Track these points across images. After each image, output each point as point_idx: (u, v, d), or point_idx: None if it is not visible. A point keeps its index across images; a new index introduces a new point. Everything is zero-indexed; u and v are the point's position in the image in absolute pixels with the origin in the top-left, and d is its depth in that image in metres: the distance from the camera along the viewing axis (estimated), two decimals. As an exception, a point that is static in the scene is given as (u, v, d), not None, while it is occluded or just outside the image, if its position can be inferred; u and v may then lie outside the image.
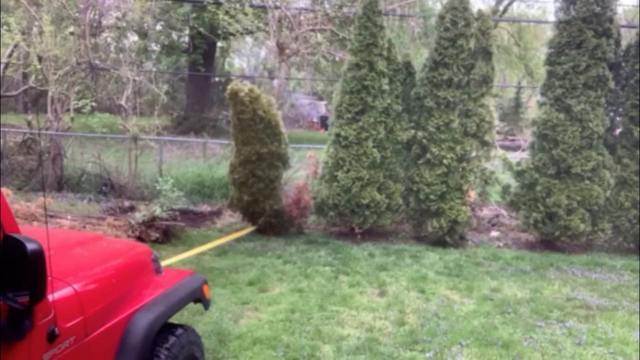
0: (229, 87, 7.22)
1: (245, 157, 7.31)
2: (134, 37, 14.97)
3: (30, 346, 1.91)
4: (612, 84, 7.37)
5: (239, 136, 7.31)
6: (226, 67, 32.07)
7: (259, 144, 7.23)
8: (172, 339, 2.73)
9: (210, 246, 6.91)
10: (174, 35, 20.99)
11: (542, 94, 7.78)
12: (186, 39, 21.14)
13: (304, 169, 8.38)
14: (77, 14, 10.70)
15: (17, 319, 1.82)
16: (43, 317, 1.95)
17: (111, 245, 3.21)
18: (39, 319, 1.93)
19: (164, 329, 2.70)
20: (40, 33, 9.64)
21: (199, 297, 3.08)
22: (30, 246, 1.74)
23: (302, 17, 12.72)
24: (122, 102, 10.00)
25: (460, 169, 7.55)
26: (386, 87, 7.58)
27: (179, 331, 2.83)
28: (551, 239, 7.63)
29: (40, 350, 1.96)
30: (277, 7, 12.00)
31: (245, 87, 7.15)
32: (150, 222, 7.03)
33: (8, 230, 1.83)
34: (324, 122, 23.17)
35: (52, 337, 2.01)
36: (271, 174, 7.44)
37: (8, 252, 1.77)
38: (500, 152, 8.29)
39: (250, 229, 7.84)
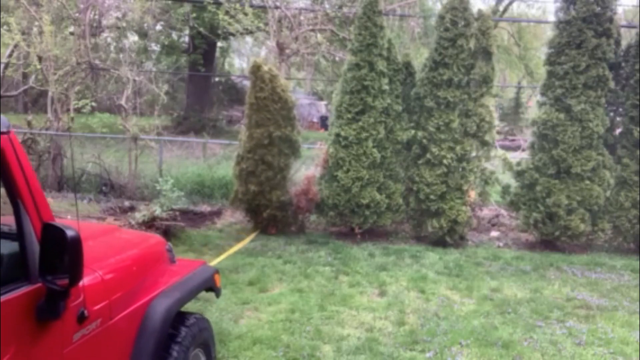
0: (252, 61, 7.53)
1: (257, 141, 7.39)
2: (134, 37, 14.98)
3: (63, 326, 2.06)
4: (612, 84, 7.37)
5: (253, 116, 7.41)
6: (226, 67, 32.08)
7: (274, 125, 7.35)
8: (187, 325, 2.87)
9: (223, 257, 6.79)
10: (174, 35, 20.97)
11: (542, 94, 7.78)
12: (186, 39, 21.13)
13: (305, 167, 8.38)
14: (77, 14, 10.70)
15: (53, 300, 1.95)
16: (74, 299, 2.10)
17: (128, 236, 3.40)
18: (70, 302, 2.07)
19: (179, 316, 2.83)
20: (40, 33, 9.64)
21: (211, 286, 3.23)
22: (69, 233, 1.87)
23: (302, 17, 12.73)
24: (122, 102, 10.00)
25: (460, 169, 7.55)
26: (386, 87, 7.58)
27: (193, 318, 2.96)
28: (551, 239, 7.63)
29: (72, 330, 2.12)
30: (277, 7, 12.00)
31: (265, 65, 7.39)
32: (150, 222, 7.04)
33: (46, 218, 1.97)
34: (324, 122, 23.17)
35: (81, 319, 2.16)
36: (281, 162, 7.53)
37: (47, 239, 1.90)
38: (500, 152, 8.28)
39: (253, 234, 7.77)
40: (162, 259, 3.02)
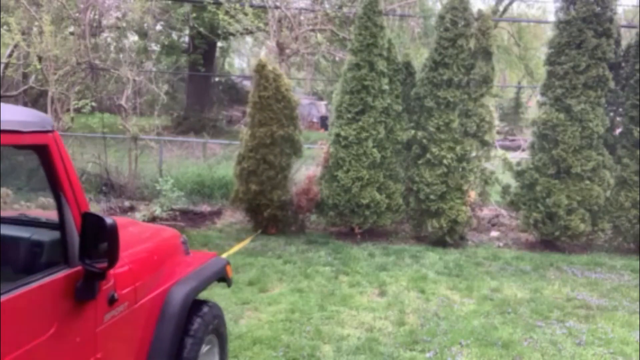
0: (256, 60, 7.57)
1: (259, 140, 7.41)
2: (134, 37, 14.98)
3: (96, 307, 2.27)
4: (612, 84, 7.37)
5: (256, 116, 7.43)
6: (226, 67, 32.07)
7: (276, 124, 7.38)
8: (202, 312, 3.05)
9: (224, 255, 6.83)
10: (174, 35, 20.97)
11: (542, 94, 7.78)
12: (186, 39, 21.12)
13: (306, 167, 8.38)
14: (77, 14, 10.70)
15: (90, 282, 2.16)
16: (106, 283, 2.30)
17: (146, 228, 3.58)
18: (102, 285, 2.26)
19: (195, 304, 3.01)
20: (40, 33, 9.63)
21: (223, 276, 3.42)
22: (108, 221, 2.10)
23: (302, 17, 12.73)
24: (122, 102, 10.00)
25: (460, 169, 7.55)
26: (386, 87, 7.58)
27: (207, 306, 3.15)
28: (551, 239, 7.63)
29: (103, 311, 2.32)
30: (277, 7, 12.00)
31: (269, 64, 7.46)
32: (150, 222, 7.03)
33: (83, 209, 2.18)
34: (324, 122, 23.16)
35: (111, 301, 2.36)
36: (282, 162, 7.54)
37: (87, 227, 2.11)
38: (500, 152, 8.28)
39: (254, 235, 7.77)
40: (178, 251, 3.20)
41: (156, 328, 2.71)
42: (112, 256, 2.12)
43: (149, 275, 2.74)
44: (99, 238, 2.09)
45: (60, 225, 2.15)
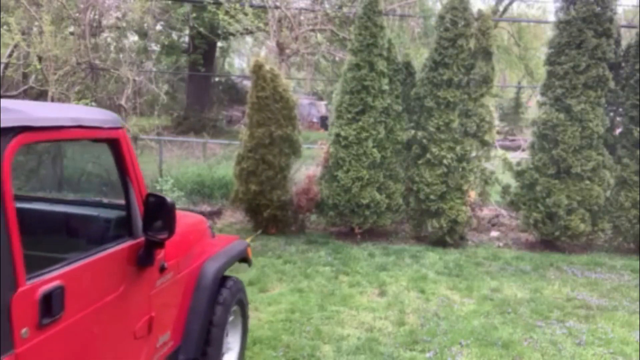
0: (253, 60, 7.54)
1: (258, 140, 7.42)
2: (134, 37, 14.98)
3: (151, 273, 2.69)
4: (612, 84, 7.37)
5: (254, 116, 7.43)
6: (226, 67, 32.07)
7: (275, 125, 7.39)
8: (229, 284, 3.50)
9: None
10: (174, 35, 20.96)
11: (542, 94, 7.77)
12: (186, 39, 21.12)
13: (305, 167, 8.38)
14: (77, 14, 10.70)
15: (149, 251, 2.58)
16: (158, 254, 2.69)
17: (179, 213, 4.15)
18: (156, 255, 2.67)
19: (222, 278, 3.45)
20: (40, 33, 9.63)
21: (245, 257, 3.87)
22: (168, 200, 2.53)
23: (302, 17, 12.73)
24: (122, 102, 10.00)
25: (460, 169, 7.55)
26: (386, 87, 7.58)
27: (232, 280, 3.59)
28: (551, 239, 7.63)
29: (156, 277, 2.74)
30: (277, 7, 12.01)
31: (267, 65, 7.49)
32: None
33: (144, 191, 2.62)
34: (324, 122, 23.16)
35: (162, 269, 2.78)
36: (282, 162, 7.54)
37: (149, 205, 2.52)
38: (500, 152, 8.28)
39: (253, 236, 7.78)
40: (206, 233, 3.63)
41: (193, 296, 3.15)
42: (170, 228, 2.52)
43: (188, 251, 3.19)
44: (160, 214, 2.51)
45: (126, 205, 2.57)
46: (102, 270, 2.32)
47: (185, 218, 3.57)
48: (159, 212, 2.52)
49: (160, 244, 2.59)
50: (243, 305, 3.81)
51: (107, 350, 2.37)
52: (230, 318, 3.55)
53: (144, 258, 2.57)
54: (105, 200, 3.07)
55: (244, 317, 3.85)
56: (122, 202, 2.59)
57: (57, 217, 2.84)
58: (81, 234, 2.77)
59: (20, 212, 1.87)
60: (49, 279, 1.96)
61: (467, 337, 4.58)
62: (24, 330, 1.83)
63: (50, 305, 1.93)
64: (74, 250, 2.29)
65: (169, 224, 2.52)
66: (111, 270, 2.39)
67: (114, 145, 2.51)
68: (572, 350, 4.45)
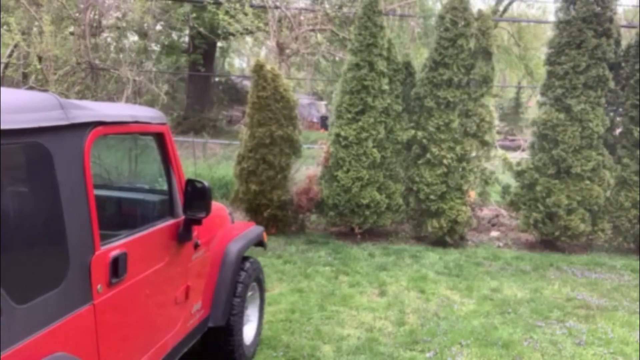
0: (254, 60, 7.65)
1: (259, 140, 7.42)
2: (134, 37, 14.97)
3: (188, 248, 3.12)
4: (612, 84, 7.37)
5: (255, 116, 7.44)
6: (226, 67, 32.06)
7: (275, 124, 7.40)
8: (249, 262, 3.92)
9: None
10: (174, 35, 20.94)
11: (542, 94, 7.77)
12: (186, 39, 21.10)
13: (305, 167, 8.38)
14: (77, 14, 10.70)
15: (188, 229, 2.99)
16: (193, 231, 3.10)
17: None
18: (193, 232, 3.08)
19: (242, 258, 3.83)
20: (40, 33, 9.63)
21: (261, 241, 4.30)
22: (206, 184, 2.97)
23: (302, 17, 12.74)
24: (122, 102, 9.99)
25: (460, 169, 7.55)
26: (386, 87, 7.58)
27: (252, 260, 3.99)
28: (551, 239, 7.63)
29: (191, 252, 3.16)
30: (277, 7, 12.01)
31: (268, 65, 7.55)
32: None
33: (182, 177, 3.04)
34: (324, 122, 23.15)
35: (196, 246, 3.20)
36: (282, 161, 7.54)
37: (189, 189, 2.94)
38: (500, 152, 8.29)
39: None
40: (226, 219, 4.04)
41: (219, 272, 3.57)
42: (207, 208, 2.95)
43: (214, 233, 3.62)
44: (198, 196, 2.93)
45: (168, 189, 3.00)
46: (152, 243, 2.74)
47: None
48: (198, 195, 2.93)
49: (199, 222, 2.98)
50: (260, 282, 4.21)
51: (156, 310, 2.81)
52: (250, 293, 3.95)
53: (183, 234, 2.97)
54: (153, 186, 3.59)
55: (262, 292, 4.27)
56: (166, 187, 3.02)
57: (119, 200, 3.37)
58: (136, 214, 3.32)
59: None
60: (117, 246, 2.37)
61: (467, 337, 4.58)
62: (99, 286, 2.23)
63: (118, 267, 2.34)
64: (132, 227, 2.71)
65: (207, 205, 2.94)
66: (159, 243, 2.81)
67: (160, 138, 2.93)
68: (572, 350, 4.45)
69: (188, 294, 3.12)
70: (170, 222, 2.92)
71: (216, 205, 4.01)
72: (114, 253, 2.33)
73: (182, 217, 2.97)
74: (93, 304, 2.19)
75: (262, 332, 4.50)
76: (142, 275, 2.57)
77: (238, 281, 3.71)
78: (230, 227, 4.03)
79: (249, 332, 4.00)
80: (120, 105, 3.01)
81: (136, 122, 2.65)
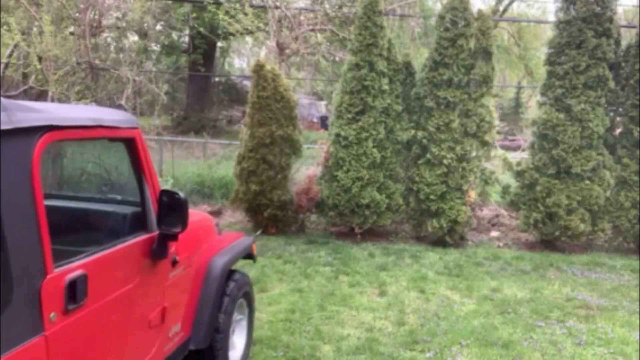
0: (254, 60, 7.65)
1: (259, 140, 7.44)
2: (134, 37, 14.97)
3: (164, 266, 2.84)
4: (612, 84, 7.37)
5: (255, 116, 7.46)
6: (226, 67, 32.06)
7: (276, 124, 7.42)
8: (236, 278, 3.68)
9: None
10: (174, 35, 20.95)
11: (542, 94, 7.77)
12: (186, 39, 21.11)
13: (306, 167, 8.38)
14: (77, 14, 10.71)
15: (162, 245, 2.71)
16: (170, 248, 2.83)
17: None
18: (169, 249, 2.81)
19: (229, 273, 3.60)
20: (40, 33, 9.63)
21: (250, 253, 4.04)
22: (181, 195, 2.66)
23: (302, 17, 12.73)
24: (122, 102, 9.99)
25: (460, 169, 7.55)
26: (386, 87, 7.58)
27: (238, 274, 3.75)
28: (551, 239, 7.63)
29: (168, 270, 2.90)
30: (277, 7, 12.01)
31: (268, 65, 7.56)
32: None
33: (157, 188, 2.73)
34: (324, 122, 23.15)
35: (174, 263, 2.93)
36: (282, 161, 7.56)
37: (163, 201, 2.64)
38: (500, 152, 8.28)
39: (253, 236, 7.75)
40: (213, 230, 3.80)
41: (202, 289, 3.32)
42: (184, 222, 2.66)
43: (197, 247, 3.36)
44: (173, 209, 2.64)
45: (140, 201, 2.70)
46: (120, 262, 2.47)
47: (193, 216, 3.69)
48: (173, 207, 2.65)
49: (174, 237, 2.72)
50: (249, 298, 3.97)
51: (125, 337, 2.53)
52: (237, 311, 3.73)
53: (157, 251, 2.71)
54: (122, 197, 3.24)
55: (251, 309, 4.01)
56: (138, 198, 2.72)
57: (79, 213, 3.03)
58: (101, 228, 2.94)
59: (46, 207, 1.99)
60: (74, 268, 2.09)
61: (467, 337, 4.58)
62: (52, 314, 1.97)
63: (75, 291, 2.07)
64: (94, 244, 2.42)
65: (182, 219, 2.66)
66: (128, 262, 2.53)
67: (130, 144, 2.66)
68: (572, 350, 4.45)
69: (164, 316, 2.85)
70: (143, 237, 2.63)
71: (201, 215, 3.88)
72: (71, 275, 2.05)
73: (157, 231, 2.71)
74: (44, 335, 1.93)
75: (262, 332, 4.50)
76: (107, 299, 2.31)
77: (224, 298, 3.46)
78: (217, 239, 3.78)
79: (235, 354, 3.74)
80: (82, 108, 2.65)
81: (99, 126, 2.37)
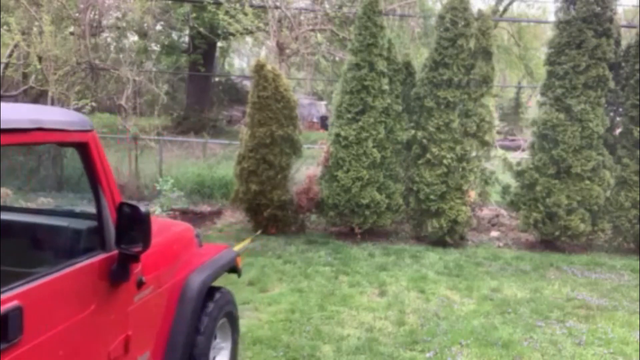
0: (255, 60, 7.68)
1: (259, 140, 7.44)
2: (134, 37, 14.98)
3: (128, 289, 2.48)
4: (612, 84, 7.37)
5: (255, 116, 7.47)
6: (226, 67, 32.07)
7: (276, 124, 7.42)
8: (216, 297, 3.33)
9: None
10: (174, 35, 20.96)
11: (542, 94, 7.77)
12: (186, 39, 21.12)
13: (306, 167, 8.38)
14: (77, 14, 10.71)
15: (123, 266, 2.36)
16: (135, 268, 2.49)
17: (163, 222, 3.83)
18: (133, 269, 2.46)
19: (209, 290, 3.27)
20: (40, 33, 9.64)
21: (233, 267, 3.70)
22: (142, 209, 2.29)
23: (302, 17, 12.74)
24: (122, 102, 10.00)
25: (460, 169, 7.55)
26: (386, 87, 7.58)
27: (221, 292, 3.42)
28: (551, 239, 7.63)
29: (133, 292, 2.55)
30: (277, 7, 12.01)
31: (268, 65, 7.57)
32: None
33: (117, 199, 2.38)
34: (324, 122, 23.14)
35: (140, 284, 2.58)
36: (282, 161, 7.57)
37: (123, 215, 2.29)
38: (500, 152, 8.28)
39: (253, 236, 7.75)
40: (192, 243, 3.45)
41: (176, 310, 2.97)
42: (145, 240, 2.32)
43: (171, 263, 3.02)
44: (134, 225, 2.29)
45: (97, 214, 2.36)
46: (69, 288, 2.12)
47: (170, 227, 3.48)
48: (133, 222, 2.30)
49: (134, 258, 2.37)
50: (233, 319, 3.60)
51: None
52: (219, 334, 3.40)
53: (117, 273, 2.35)
54: (75, 210, 2.86)
55: (234, 330, 3.64)
56: (94, 211, 2.36)
57: (21, 228, 2.58)
58: (47, 247, 2.54)
59: None
60: (5, 300, 1.77)
61: (467, 337, 4.58)
62: None
63: (7, 328, 1.76)
64: (38, 266, 2.09)
65: (144, 236, 2.31)
66: (80, 287, 2.18)
67: (83, 150, 2.29)
68: (572, 350, 4.45)
69: (128, 346, 2.51)
70: (98, 257, 2.29)
71: (180, 226, 3.56)
72: (1, 309, 1.75)
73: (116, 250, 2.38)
74: None
75: (262, 332, 4.50)
76: (50, 334, 1.97)
77: (202, 319, 3.13)
78: (197, 252, 3.43)
79: None
80: (22, 107, 2.25)
81: (39, 129, 2.02)
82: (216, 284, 3.43)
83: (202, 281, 3.13)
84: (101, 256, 2.31)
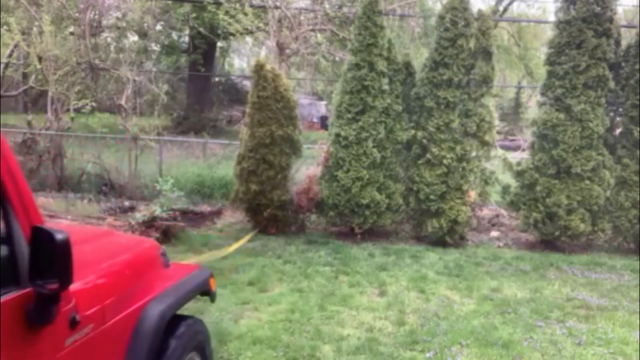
0: (255, 60, 7.68)
1: (259, 140, 7.45)
2: (134, 37, 14.98)
3: (54, 331, 2.01)
4: (612, 84, 7.37)
5: (255, 116, 7.47)
6: (226, 67, 32.06)
7: (276, 124, 7.43)
8: (181, 329, 2.84)
9: (220, 256, 6.78)
10: (174, 35, 20.96)
11: (542, 94, 7.78)
12: (186, 39, 21.12)
13: (305, 167, 8.38)
14: (77, 14, 10.71)
15: (44, 305, 1.90)
16: (65, 305, 2.04)
17: (122, 240, 3.34)
18: (61, 307, 2.01)
19: (174, 320, 2.81)
20: (40, 33, 9.64)
21: (206, 290, 3.20)
22: (58, 236, 1.82)
23: (302, 17, 12.73)
24: (122, 102, 10.00)
25: (460, 169, 7.55)
26: (386, 87, 7.58)
27: (188, 322, 2.94)
28: (551, 239, 7.63)
29: (64, 335, 2.07)
30: (277, 7, 12.00)
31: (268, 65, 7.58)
32: (150, 222, 7.03)
33: (35, 222, 1.91)
34: (324, 122, 23.14)
35: (73, 324, 2.11)
36: (282, 161, 7.57)
37: (37, 243, 1.85)
38: (500, 152, 8.29)
39: (251, 234, 7.74)
40: (156, 263, 2.98)
41: (128, 350, 2.48)
42: (63, 276, 1.86)
43: (121, 292, 2.50)
44: (48, 255, 1.84)
45: (7, 240, 1.88)
46: None
47: (130, 245, 3.08)
48: (47, 253, 1.84)
49: (52, 298, 1.90)
50: (204, 350, 3.09)
51: None
52: None
53: (35, 314, 1.89)
54: None
55: None
56: (3, 235, 1.92)
57: None
58: None
59: None
60: None
61: (467, 337, 4.58)
62: None
63: None
64: None
65: (62, 270, 1.86)
66: None
67: None
68: (572, 350, 4.45)
69: None
70: (9, 295, 1.83)
71: (142, 244, 3.12)
72: None
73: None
74: None
75: (262, 332, 4.50)
76: None
77: (163, 354, 2.65)
78: (161, 274, 2.95)
79: None
80: None
81: None
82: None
83: (162, 312, 2.63)
84: (12, 294, 1.84)
